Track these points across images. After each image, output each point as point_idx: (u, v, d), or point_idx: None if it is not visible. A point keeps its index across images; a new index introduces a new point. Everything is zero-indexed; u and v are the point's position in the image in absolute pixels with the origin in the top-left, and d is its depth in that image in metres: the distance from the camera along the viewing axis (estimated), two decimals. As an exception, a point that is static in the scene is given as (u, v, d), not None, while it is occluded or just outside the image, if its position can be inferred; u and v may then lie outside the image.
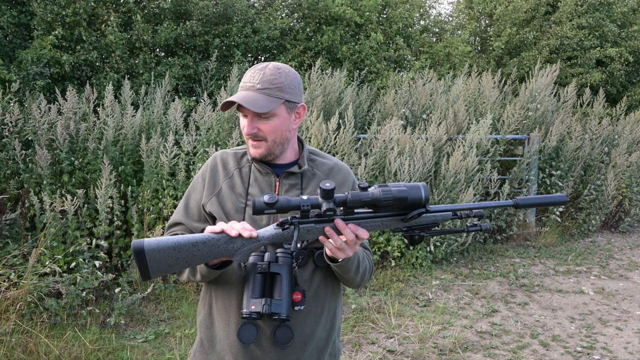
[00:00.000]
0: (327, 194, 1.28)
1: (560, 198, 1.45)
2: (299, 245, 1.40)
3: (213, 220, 1.55)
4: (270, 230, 1.34)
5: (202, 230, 1.52)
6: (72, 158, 4.59)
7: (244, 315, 1.36)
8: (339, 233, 1.32)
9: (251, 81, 1.46)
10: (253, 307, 1.35)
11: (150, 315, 4.05)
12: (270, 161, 1.55)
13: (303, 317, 1.49)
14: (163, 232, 1.65)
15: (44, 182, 4.34)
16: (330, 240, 1.33)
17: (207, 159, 1.64)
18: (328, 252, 1.37)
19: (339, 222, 1.31)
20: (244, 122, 1.50)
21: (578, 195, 6.67)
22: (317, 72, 6.29)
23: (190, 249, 1.30)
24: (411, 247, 5.11)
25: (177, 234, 1.49)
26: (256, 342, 1.44)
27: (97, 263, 3.92)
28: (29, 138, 4.72)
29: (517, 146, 6.42)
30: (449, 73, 8.51)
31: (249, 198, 1.52)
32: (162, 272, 1.31)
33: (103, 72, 6.81)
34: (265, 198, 1.26)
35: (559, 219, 6.37)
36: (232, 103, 1.45)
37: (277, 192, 1.52)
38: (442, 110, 6.12)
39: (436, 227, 1.38)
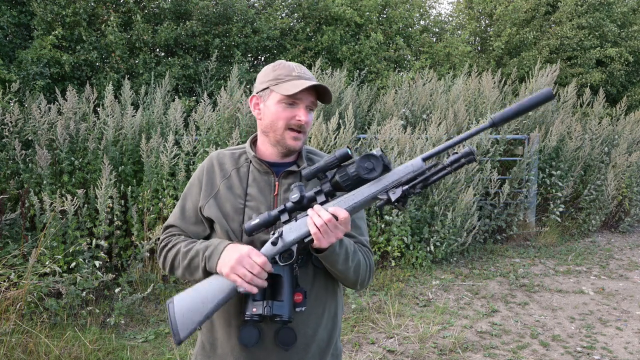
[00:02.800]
0: (299, 203, 1.37)
1: (545, 94, 1.26)
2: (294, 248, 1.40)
3: (211, 224, 1.53)
4: (269, 249, 1.38)
5: (200, 237, 1.55)
6: (72, 158, 4.59)
7: (246, 318, 1.36)
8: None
9: (306, 73, 1.50)
10: (254, 309, 1.35)
11: (150, 315, 4.05)
12: (274, 157, 1.55)
13: (305, 318, 1.48)
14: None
15: (44, 182, 4.34)
16: (312, 222, 1.33)
17: (207, 158, 1.64)
18: (315, 242, 1.35)
19: (315, 206, 1.34)
20: (292, 111, 1.48)
21: (578, 195, 6.67)
22: (317, 72, 6.29)
23: (215, 308, 1.37)
24: (411, 247, 5.11)
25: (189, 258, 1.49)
26: (258, 344, 1.43)
27: (97, 263, 3.92)
28: (29, 138, 4.72)
29: (517, 146, 6.42)
30: (449, 73, 8.51)
31: (248, 198, 1.51)
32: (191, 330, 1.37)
33: (103, 72, 6.81)
34: (245, 227, 1.41)
35: (559, 219, 6.37)
36: (294, 91, 1.44)
37: (276, 192, 1.51)
38: (442, 110, 6.12)
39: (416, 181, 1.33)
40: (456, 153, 1.31)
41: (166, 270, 1.56)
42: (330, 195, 1.38)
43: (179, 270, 1.51)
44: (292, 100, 1.47)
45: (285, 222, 1.39)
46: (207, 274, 1.43)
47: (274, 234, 1.38)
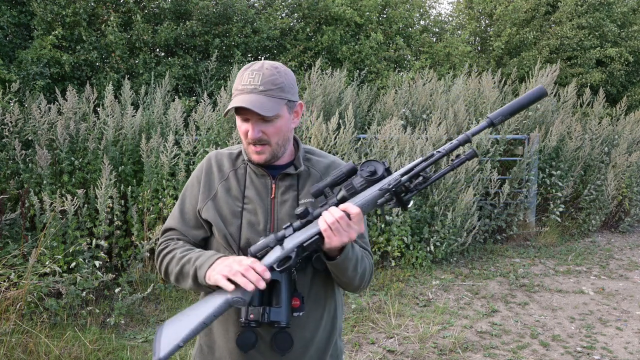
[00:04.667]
0: (304, 216, 1.37)
1: (538, 91, 1.32)
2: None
3: (209, 226, 1.52)
4: (267, 258, 1.36)
5: (200, 240, 1.53)
6: (72, 158, 4.59)
7: (243, 324, 1.35)
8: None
9: (252, 83, 1.40)
10: (252, 315, 1.34)
11: (150, 315, 4.05)
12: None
13: (303, 322, 1.47)
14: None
15: (44, 182, 4.34)
16: (324, 220, 1.31)
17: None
18: (326, 240, 1.32)
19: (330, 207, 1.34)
20: (245, 126, 1.43)
21: (578, 195, 6.67)
22: (317, 72, 6.29)
23: (213, 319, 1.30)
24: (411, 247, 5.11)
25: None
26: (256, 348, 1.42)
27: (97, 263, 3.92)
28: (29, 138, 4.72)
29: (517, 146, 6.42)
30: (449, 73, 8.51)
31: (245, 201, 1.49)
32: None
33: (103, 72, 6.81)
34: (251, 250, 1.38)
35: (559, 219, 6.37)
36: (236, 108, 1.40)
37: (273, 194, 1.49)
38: (442, 110, 6.12)
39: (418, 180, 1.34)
40: (459, 157, 1.33)
41: (162, 275, 1.54)
42: None
43: (172, 276, 1.49)
44: (240, 115, 1.44)
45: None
46: (196, 283, 1.40)
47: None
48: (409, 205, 1.36)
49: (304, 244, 1.35)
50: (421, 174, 1.33)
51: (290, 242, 1.36)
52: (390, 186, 1.31)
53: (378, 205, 1.34)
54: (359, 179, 1.36)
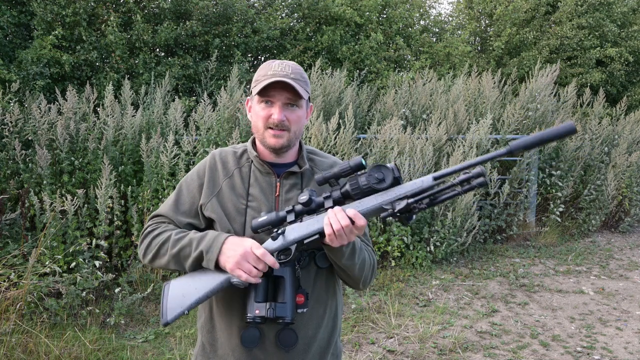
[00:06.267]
0: (307, 204, 1.38)
1: (567, 128, 1.21)
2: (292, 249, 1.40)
3: (209, 222, 1.52)
4: (269, 244, 1.38)
5: (188, 225, 1.53)
6: (72, 158, 4.59)
7: (248, 320, 1.35)
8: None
9: (284, 70, 1.45)
10: (257, 311, 1.34)
11: (150, 315, 4.05)
12: (273, 158, 1.53)
13: (306, 319, 1.48)
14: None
15: (44, 182, 4.34)
16: (329, 224, 1.32)
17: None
18: (327, 240, 1.34)
19: (336, 207, 1.34)
20: (269, 110, 1.46)
21: (578, 195, 6.67)
22: (317, 72, 6.29)
23: (206, 296, 1.40)
24: (411, 247, 5.11)
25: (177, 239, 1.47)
26: (259, 345, 1.43)
27: (97, 263, 3.92)
28: (29, 138, 4.72)
29: (517, 146, 6.41)
30: (449, 73, 8.52)
31: (249, 199, 1.50)
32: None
33: (103, 72, 6.81)
34: (252, 223, 1.41)
35: (559, 219, 6.37)
36: (264, 90, 1.43)
37: (277, 192, 1.51)
38: (442, 110, 6.12)
39: (424, 201, 1.30)
40: (467, 172, 1.27)
41: (145, 257, 1.50)
42: (338, 203, 1.38)
43: (164, 258, 1.45)
44: (266, 99, 1.47)
45: (290, 223, 1.39)
46: (198, 265, 1.41)
47: (276, 230, 1.38)
48: (411, 222, 1.35)
49: (304, 241, 1.36)
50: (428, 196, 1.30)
51: (292, 234, 1.37)
52: (396, 210, 1.30)
53: (379, 216, 1.35)
54: (365, 179, 1.34)
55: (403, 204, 1.29)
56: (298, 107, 1.48)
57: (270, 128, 1.47)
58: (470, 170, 1.27)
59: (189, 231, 1.48)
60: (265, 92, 1.45)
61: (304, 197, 1.37)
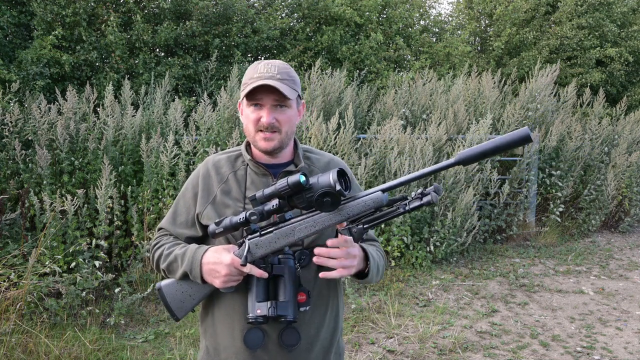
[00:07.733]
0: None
1: (521, 135, 1.12)
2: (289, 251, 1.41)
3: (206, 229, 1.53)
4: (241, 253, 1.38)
5: (186, 237, 1.55)
6: (72, 158, 4.59)
7: (250, 320, 1.34)
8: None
9: (269, 71, 1.44)
10: (259, 311, 1.33)
11: (150, 315, 4.05)
12: (268, 159, 1.53)
13: (308, 318, 1.47)
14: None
15: (44, 182, 4.34)
16: (327, 263, 1.33)
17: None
18: (339, 275, 1.35)
19: (318, 250, 1.32)
20: (258, 113, 1.46)
21: (578, 195, 6.67)
22: (317, 72, 6.29)
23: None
24: (411, 247, 5.11)
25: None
26: (262, 346, 1.43)
27: (97, 263, 3.92)
28: (29, 138, 4.72)
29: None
30: (448, 73, 8.52)
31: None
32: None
33: (103, 72, 6.81)
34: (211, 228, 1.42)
35: (559, 219, 6.37)
36: (251, 93, 1.43)
37: None
38: (442, 110, 6.12)
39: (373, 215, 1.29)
40: (424, 187, 1.27)
41: (154, 268, 1.59)
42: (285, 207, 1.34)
43: (162, 270, 1.55)
44: (254, 102, 1.46)
45: (254, 232, 1.38)
46: (188, 278, 1.46)
47: (242, 242, 1.39)
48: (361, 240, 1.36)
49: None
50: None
51: (258, 252, 1.36)
52: (352, 231, 1.28)
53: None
54: (311, 195, 1.27)
55: (360, 228, 1.28)
56: (287, 107, 1.47)
57: (260, 131, 1.47)
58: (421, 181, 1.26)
59: (179, 243, 1.53)
60: (253, 96, 1.45)
61: (255, 217, 1.34)
